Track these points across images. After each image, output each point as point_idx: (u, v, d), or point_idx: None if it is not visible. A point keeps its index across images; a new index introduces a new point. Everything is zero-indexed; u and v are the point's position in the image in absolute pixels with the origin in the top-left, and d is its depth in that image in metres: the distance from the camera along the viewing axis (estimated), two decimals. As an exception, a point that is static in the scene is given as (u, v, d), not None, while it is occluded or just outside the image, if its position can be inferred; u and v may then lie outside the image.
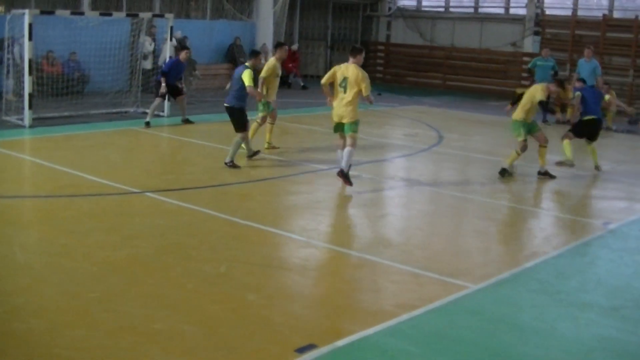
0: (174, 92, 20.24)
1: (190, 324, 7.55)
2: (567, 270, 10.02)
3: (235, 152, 14.81)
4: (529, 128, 15.13)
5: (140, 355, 6.87)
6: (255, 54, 15.65)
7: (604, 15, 30.58)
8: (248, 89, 14.85)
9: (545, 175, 15.29)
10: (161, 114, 21.05)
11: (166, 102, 21.05)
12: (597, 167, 16.17)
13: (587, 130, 16.01)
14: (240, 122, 15.05)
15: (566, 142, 15.80)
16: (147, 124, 19.33)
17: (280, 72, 17.04)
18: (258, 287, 8.71)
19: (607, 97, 15.64)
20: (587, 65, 22.70)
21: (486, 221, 12.28)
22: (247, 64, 15.13)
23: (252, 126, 16.38)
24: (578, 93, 16.21)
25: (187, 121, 20.39)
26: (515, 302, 8.82)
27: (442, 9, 36.15)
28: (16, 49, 20.22)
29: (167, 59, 21.24)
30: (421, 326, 7.88)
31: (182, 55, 20.11)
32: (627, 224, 12.51)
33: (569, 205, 13.89)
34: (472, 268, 9.87)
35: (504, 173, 15.19)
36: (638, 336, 8.03)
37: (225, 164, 14.64)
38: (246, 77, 14.76)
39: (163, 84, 19.46)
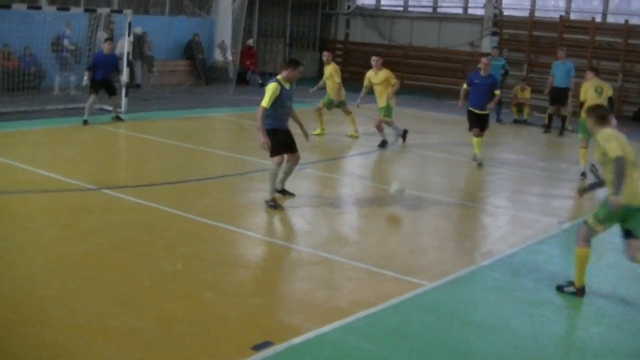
0: (109, 89, 19.52)
1: (146, 321, 7.52)
2: (522, 268, 10.10)
3: (273, 187, 12.20)
4: None
5: (95, 353, 6.82)
6: (293, 64, 12.20)
7: (561, 16, 30.90)
8: (258, 110, 11.85)
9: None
10: (118, 110, 20.91)
11: (123, 98, 20.92)
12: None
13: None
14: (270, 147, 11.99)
15: None
16: (85, 122, 18.77)
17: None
18: (214, 284, 8.69)
19: (497, 92, 16.67)
20: (561, 67, 22.86)
21: (442, 219, 12.36)
22: (278, 76, 12.14)
23: None
24: None
25: (118, 118, 19.87)
26: (471, 300, 8.89)
27: (400, 8, 36.28)
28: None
29: (125, 55, 21.16)
30: (377, 323, 7.91)
31: (105, 46, 19.47)
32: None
33: (525, 204, 14.00)
34: (428, 266, 9.93)
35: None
36: (590, 332, 8.14)
37: (266, 202, 12.13)
38: (266, 93, 11.82)
39: (85, 77, 19.12)
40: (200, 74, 29.41)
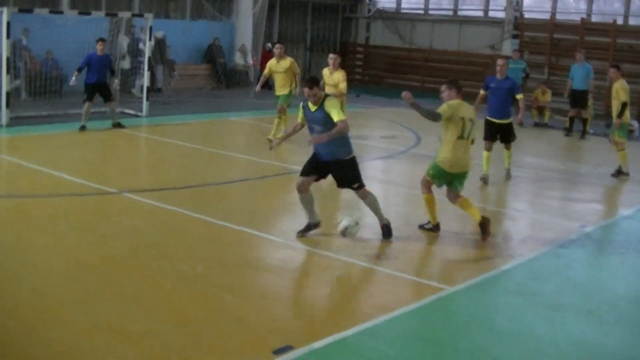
0: (104, 94, 18.85)
1: (166, 324, 7.53)
2: (543, 272, 10.06)
3: (380, 211, 10.91)
4: None
5: (115, 355, 6.83)
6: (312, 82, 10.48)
7: (582, 19, 30.73)
8: (340, 126, 10.20)
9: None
10: (139, 113, 20.99)
11: (144, 102, 20.99)
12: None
13: None
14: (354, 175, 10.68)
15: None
16: (82, 127, 18.36)
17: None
18: (235, 287, 8.70)
19: (518, 96, 15.21)
20: (580, 69, 22.78)
21: (462, 223, 12.30)
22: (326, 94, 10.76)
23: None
24: None
25: (118, 125, 19.17)
26: (491, 304, 8.86)
27: (421, 11, 36.20)
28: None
29: (146, 59, 21.24)
30: (397, 328, 7.89)
31: (98, 47, 18.68)
32: (603, 227, 12.61)
33: (546, 207, 13.93)
34: (449, 270, 9.91)
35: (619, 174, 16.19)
36: (613, 338, 8.07)
37: (385, 226, 10.88)
38: (335, 108, 10.30)
39: (73, 77, 18.60)
40: (221, 78, 29.49)
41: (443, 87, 11.49)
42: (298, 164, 15.02)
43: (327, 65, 16.97)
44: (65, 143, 16.98)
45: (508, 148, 15.48)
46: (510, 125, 15.37)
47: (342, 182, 10.75)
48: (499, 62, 15.53)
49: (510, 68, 24.31)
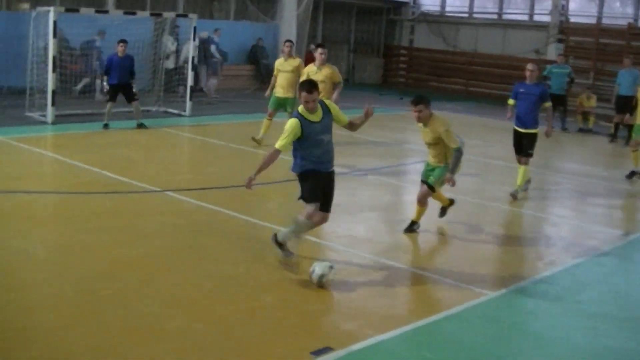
0: (127, 94, 18.85)
1: (204, 324, 7.55)
2: (585, 280, 9.96)
3: (290, 238, 9.39)
4: None
5: (151, 354, 6.87)
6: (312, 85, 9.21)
7: (629, 23, 30.43)
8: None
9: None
10: (182, 113, 21.10)
11: (187, 101, 21.12)
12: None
13: None
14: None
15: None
16: (106, 125, 18.52)
17: None
18: (274, 288, 8.70)
19: (547, 104, 14.11)
20: (627, 75, 22.58)
21: (505, 228, 12.24)
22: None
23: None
24: None
25: (141, 125, 19.12)
26: (531, 310, 8.78)
27: (465, 15, 36.05)
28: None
29: (190, 59, 21.36)
30: (435, 332, 7.86)
31: (119, 49, 18.66)
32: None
33: (589, 214, 13.80)
34: (489, 275, 9.84)
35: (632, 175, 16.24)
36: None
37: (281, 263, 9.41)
38: (339, 110, 9.84)
39: (104, 83, 18.80)
40: (264, 79, 29.56)
41: (420, 107, 10.67)
42: (342, 166, 15.05)
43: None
44: (108, 141, 17.11)
45: (525, 163, 14.18)
46: (534, 136, 14.15)
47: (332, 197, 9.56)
48: (529, 66, 14.31)
49: (555, 73, 24.30)
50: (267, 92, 17.78)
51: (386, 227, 11.91)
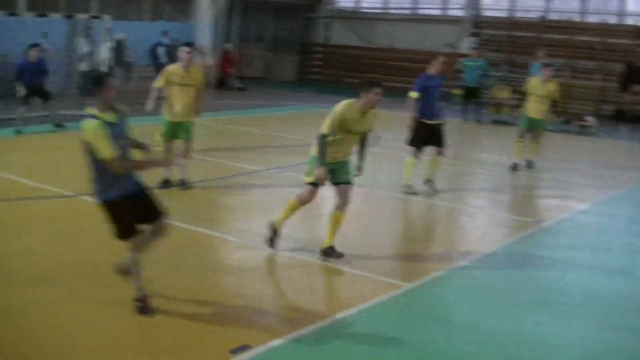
0: (42, 96, 18.66)
1: (127, 325, 7.50)
2: (500, 267, 10.15)
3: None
4: None
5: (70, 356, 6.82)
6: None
7: (540, 17, 31.02)
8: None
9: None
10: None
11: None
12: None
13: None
14: None
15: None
16: (18, 131, 18.05)
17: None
18: (192, 289, 8.67)
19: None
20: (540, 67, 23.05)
21: (420, 220, 12.40)
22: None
23: None
24: None
25: (58, 125, 18.92)
26: (449, 300, 8.92)
27: (380, 10, 36.33)
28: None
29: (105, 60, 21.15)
30: (355, 325, 7.91)
31: (31, 53, 18.35)
32: (559, 222, 12.75)
33: (504, 204, 14.06)
34: (406, 267, 9.95)
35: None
36: (568, 330, 8.16)
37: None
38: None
39: (19, 88, 18.50)
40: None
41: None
42: (254, 164, 15.05)
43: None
44: (18, 146, 16.81)
45: (441, 153, 14.19)
46: (443, 126, 14.20)
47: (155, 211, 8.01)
48: (440, 59, 14.26)
49: (468, 66, 24.72)
50: (149, 105, 13.84)
51: (303, 223, 11.94)
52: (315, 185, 9.77)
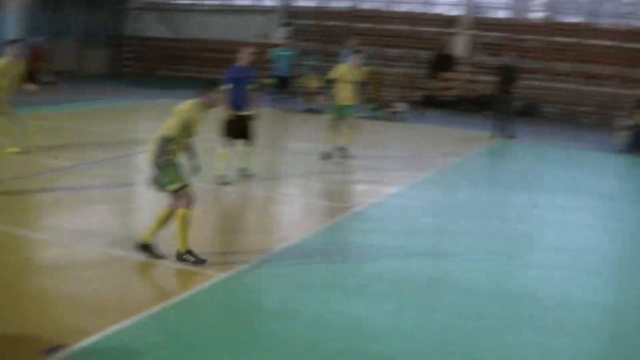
0: None
1: None
2: (313, 254, 10.33)
3: None
4: None
5: None
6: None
7: (351, 6, 31.71)
8: None
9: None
10: None
11: None
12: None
13: None
14: None
15: None
16: None
17: None
18: (3, 291, 8.44)
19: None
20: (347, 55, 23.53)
21: (235, 210, 12.46)
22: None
23: None
24: None
25: None
26: (262, 288, 9.00)
27: (192, 1, 36.17)
28: None
29: None
30: (169, 318, 7.87)
31: None
32: (371, 206, 13.10)
33: (317, 191, 14.31)
34: (222, 258, 9.95)
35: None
36: (383, 310, 8.38)
37: None
38: None
39: None
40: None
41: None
42: (64, 160, 14.72)
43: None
44: None
45: (252, 144, 14.52)
46: (253, 117, 14.39)
47: None
48: (248, 50, 14.60)
49: (281, 56, 25.02)
50: None
51: (116, 218, 11.81)
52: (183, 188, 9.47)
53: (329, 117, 17.25)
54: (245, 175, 14.35)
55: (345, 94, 16.74)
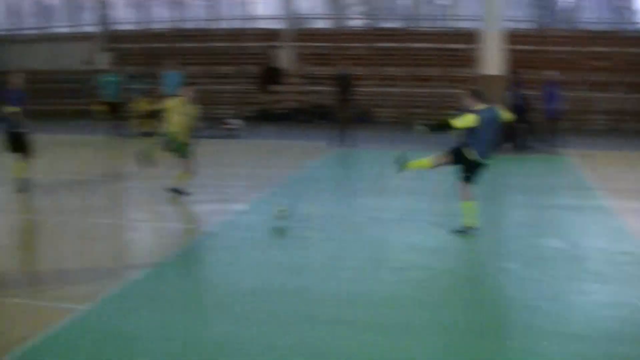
0: None
1: None
2: (169, 276, 10.24)
3: None
4: None
5: None
6: None
7: (173, 27, 31.57)
8: None
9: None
10: None
11: None
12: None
13: None
14: None
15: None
16: None
17: None
18: None
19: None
20: (172, 76, 23.35)
21: (83, 240, 12.15)
22: None
23: None
24: None
25: None
26: (126, 314, 8.81)
27: (5, 32, 35.10)
28: None
29: None
30: (40, 356, 7.64)
31: None
32: (222, 225, 13.04)
33: (166, 214, 14.14)
34: (79, 289, 9.70)
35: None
36: (251, 329, 8.31)
37: None
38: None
39: None
40: None
41: None
42: None
43: None
44: None
45: (27, 159, 15.85)
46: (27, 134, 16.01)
47: None
48: (14, 75, 16.63)
49: (107, 81, 24.71)
50: None
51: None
52: None
53: (162, 141, 15.25)
54: (21, 184, 15.37)
55: (176, 122, 14.81)
